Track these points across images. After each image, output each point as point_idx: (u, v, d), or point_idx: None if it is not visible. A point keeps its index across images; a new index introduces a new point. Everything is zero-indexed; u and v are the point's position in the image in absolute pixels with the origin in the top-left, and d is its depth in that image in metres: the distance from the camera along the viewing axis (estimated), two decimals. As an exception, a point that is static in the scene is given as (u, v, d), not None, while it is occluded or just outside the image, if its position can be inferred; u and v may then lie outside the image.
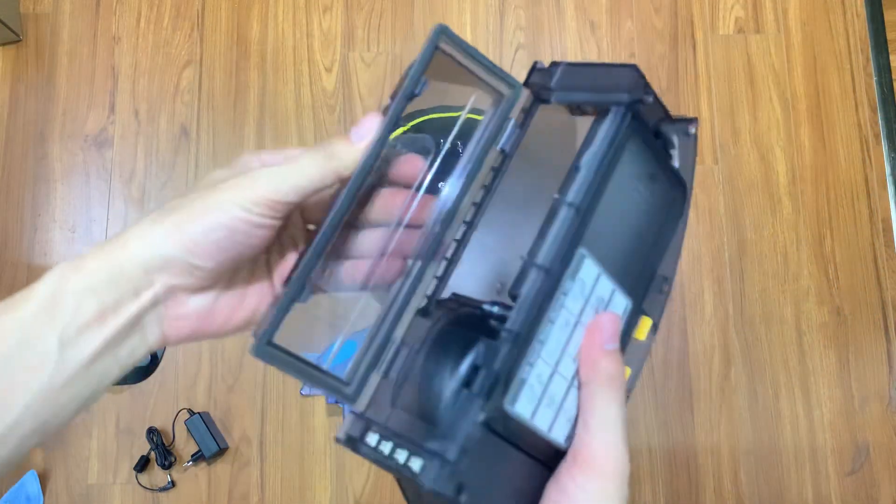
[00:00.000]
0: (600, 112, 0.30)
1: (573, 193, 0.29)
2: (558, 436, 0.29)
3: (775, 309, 1.16)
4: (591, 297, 0.29)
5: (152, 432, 1.08)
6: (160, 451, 1.07)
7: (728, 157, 1.21)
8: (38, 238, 1.17)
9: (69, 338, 0.28)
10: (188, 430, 1.07)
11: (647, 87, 0.30)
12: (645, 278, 0.31)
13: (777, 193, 1.20)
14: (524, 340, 0.27)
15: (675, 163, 0.32)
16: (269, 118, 1.21)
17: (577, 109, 0.31)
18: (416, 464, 0.26)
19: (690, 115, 1.23)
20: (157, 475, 1.09)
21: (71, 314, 0.28)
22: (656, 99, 0.31)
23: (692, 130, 0.32)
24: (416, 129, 1.16)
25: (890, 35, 1.26)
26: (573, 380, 0.29)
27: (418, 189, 0.32)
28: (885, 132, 1.22)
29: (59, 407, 0.28)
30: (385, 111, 0.30)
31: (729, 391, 1.13)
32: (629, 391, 0.30)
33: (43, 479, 1.08)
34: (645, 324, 0.30)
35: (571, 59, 1.24)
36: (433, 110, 1.17)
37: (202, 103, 1.22)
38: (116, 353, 0.29)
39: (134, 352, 0.30)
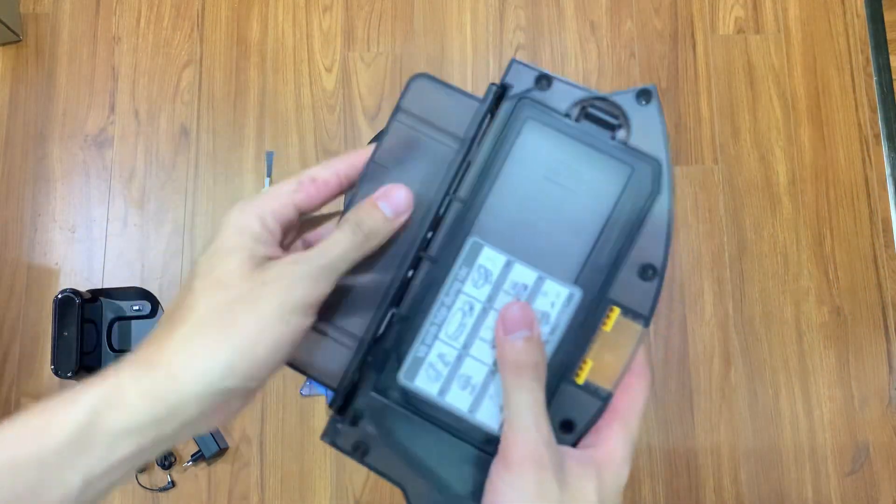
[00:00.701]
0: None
1: (461, 188, 0.31)
2: (488, 421, 0.30)
3: (775, 309, 1.16)
4: (505, 283, 0.30)
5: (152, 432, 1.08)
6: (160, 451, 1.07)
7: (728, 157, 1.21)
8: (38, 238, 1.17)
9: (94, 477, 0.25)
10: (188, 430, 1.07)
11: (541, 77, 0.31)
12: (601, 266, 0.30)
13: (777, 193, 1.20)
14: (410, 321, 0.30)
15: (630, 138, 0.31)
16: (269, 118, 1.21)
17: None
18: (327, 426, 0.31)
19: (690, 115, 1.23)
20: (157, 475, 1.09)
21: (102, 455, 0.25)
22: (566, 82, 0.31)
23: (645, 101, 0.31)
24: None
25: (890, 35, 1.26)
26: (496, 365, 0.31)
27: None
28: (885, 132, 1.22)
29: None
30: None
31: (729, 391, 1.13)
32: (615, 383, 0.30)
33: (43, 479, 1.08)
34: (613, 313, 0.30)
35: (572, 59, 1.24)
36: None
37: (202, 103, 1.22)
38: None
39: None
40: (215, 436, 1.06)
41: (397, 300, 0.31)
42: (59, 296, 1.06)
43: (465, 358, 0.30)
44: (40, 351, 1.12)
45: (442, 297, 0.31)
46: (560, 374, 0.30)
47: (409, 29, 1.25)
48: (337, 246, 0.29)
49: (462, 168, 0.31)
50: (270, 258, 0.29)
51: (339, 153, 1.21)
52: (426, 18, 1.25)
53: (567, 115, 0.31)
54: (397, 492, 1.11)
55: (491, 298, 0.30)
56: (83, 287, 1.12)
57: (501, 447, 0.28)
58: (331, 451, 1.09)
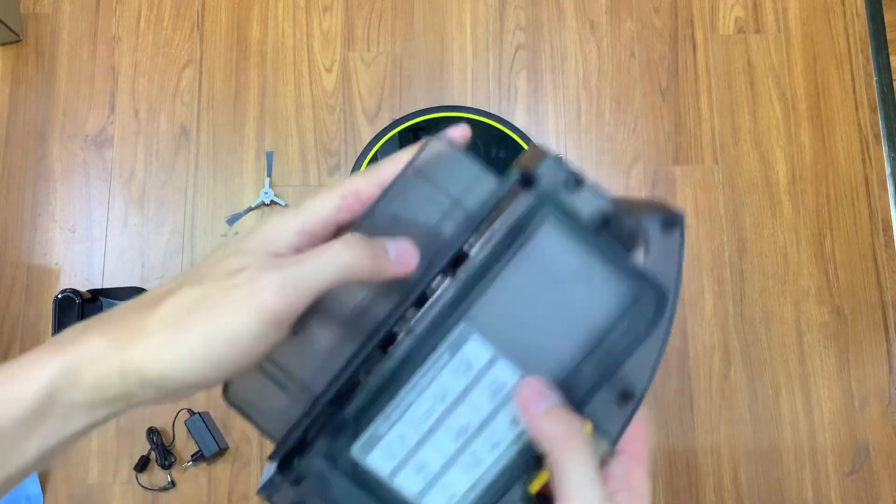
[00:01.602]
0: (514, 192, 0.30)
1: (461, 271, 0.29)
2: None
3: (775, 309, 1.16)
4: (483, 379, 0.29)
5: (152, 432, 1.08)
6: (160, 451, 1.07)
7: (728, 157, 1.21)
8: (38, 238, 1.17)
9: (48, 448, 0.26)
10: (188, 430, 1.07)
11: (570, 177, 0.29)
12: (583, 382, 0.29)
13: (777, 193, 1.20)
14: (377, 396, 0.29)
15: (641, 260, 0.29)
16: (269, 118, 1.21)
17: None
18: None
19: (690, 115, 1.23)
20: (157, 475, 1.09)
21: (58, 427, 0.26)
22: (595, 190, 0.30)
23: (669, 229, 0.29)
24: (415, 129, 1.17)
25: (890, 35, 1.26)
26: (455, 457, 0.30)
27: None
28: (885, 132, 1.22)
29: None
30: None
31: (729, 391, 1.13)
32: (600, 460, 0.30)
33: (43, 479, 1.08)
34: (586, 426, 0.29)
35: (572, 59, 1.24)
36: (432, 110, 1.17)
37: (202, 103, 1.22)
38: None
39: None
40: (215, 436, 1.06)
41: (366, 368, 0.30)
42: (59, 296, 1.06)
43: (426, 444, 0.29)
44: (40, 351, 1.12)
45: (417, 378, 0.29)
46: (514, 478, 0.29)
47: (409, 29, 1.25)
48: (319, 258, 0.27)
49: (464, 247, 0.30)
50: None
51: (338, 153, 1.21)
52: (426, 18, 1.25)
53: (589, 223, 0.30)
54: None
55: (467, 390, 0.29)
56: (83, 287, 1.12)
57: None
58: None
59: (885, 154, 1.22)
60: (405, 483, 0.30)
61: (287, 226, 0.29)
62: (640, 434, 0.30)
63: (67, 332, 0.28)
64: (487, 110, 1.19)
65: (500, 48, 1.25)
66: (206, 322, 0.26)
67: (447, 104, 1.21)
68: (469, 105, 1.21)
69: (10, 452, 0.26)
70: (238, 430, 1.10)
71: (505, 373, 0.30)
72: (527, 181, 0.30)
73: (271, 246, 0.28)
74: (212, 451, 1.05)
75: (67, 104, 1.22)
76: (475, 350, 0.30)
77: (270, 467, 0.30)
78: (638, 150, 1.21)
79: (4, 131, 1.20)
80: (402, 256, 0.29)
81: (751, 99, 1.23)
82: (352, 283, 0.28)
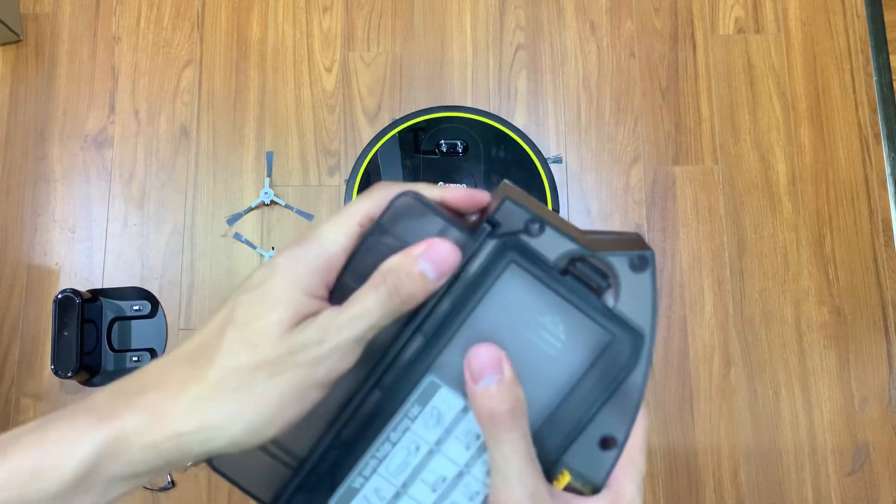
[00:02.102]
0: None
1: (428, 322, 0.29)
2: None
3: (775, 309, 1.16)
4: (456, 429, 0.29)
5: (152, 432, 1.08)
6: (160, 451, 1.07)
7: (728, 157, 1.21)
8: (38, 238, 1.17)
9: None
10: (188, 430, 1.07)
11: (533, 221, 0.28)
12: (559, 430, 0.29)
13: (777, 193, 1.20)
14: (350, 448, 0.29)
15: (617, 304, 0.28)
16: (269, 118, 1.21)
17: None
18: None
19: (690, 115, 1.23)
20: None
21: (97, 498, 0.25)
22: (559, 231, 0.29)
23: (639, 269, 0.28)
24: (415, 129, 1.17)
25: (890, 35, 1.26)
26: None
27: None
28: (885, 132, 1.22)
29: None
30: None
31: (729, 391, 1.13)
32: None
33: (43, 479, 1.08)
34: (563, 478, 0.29)
35: (572, 59, 1.24)
36: (432, 110, 1.17)
37: (202, 103, 1.22)
38: None
39: None
40: (215, 436, 1.06)
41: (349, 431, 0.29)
42: (59, 296, 1.06)
43: (402, 497, 0.29)
44: (40, 351, 1.12)
45: (389, 432, 0.29)
46: None
47: (409, 29, 1.25)
48: (369, 315, 0.26)
49: (433, 302, 0.29)
50: (315, 313, 0.27)
51: (338, 153, 1.21)
52: (426, 18, 1.25)
53: (554, 266, 0.29)
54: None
55: (440, 442, 0.29)
56: (83, 287, 1.12)
57: None
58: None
59: (885, 154, 1.22)
60: None
61: (313, 264, 0.28)
62: (637, 434, 0.29)
63: (107, 396, 0.27)
64: (487, 110, 1.19)
65: (500, 48, 1.25)
66: (262, 395, 0.26)
67: (447, 104, 1.21)
68: (469, 105, 1.21)
69: None
70: (238, 430, 1.10)
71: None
72: (490, 229, 0.29)
73: (303, 286, 0.27)
74: (212, 451, 1.05)
75: (67, 104, 1.22)
76: (445, 401, 0.29)
77: None
78: (638, 150, 1.21)
79: (4, 131, 1.20)
80: (441, 267, 0.27)
81: (751, 99, 1.23)
82: (399, 315, 0.28)
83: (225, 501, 1.08)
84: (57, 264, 1.16)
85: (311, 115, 1.21)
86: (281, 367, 0.26)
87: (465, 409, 0.29)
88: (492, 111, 1.20)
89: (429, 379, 0.29)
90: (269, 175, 1.18)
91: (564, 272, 0.29)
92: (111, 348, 1.11)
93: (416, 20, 1.25)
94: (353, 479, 0.29)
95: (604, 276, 0.29)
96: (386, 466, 0.29)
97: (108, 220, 1.18)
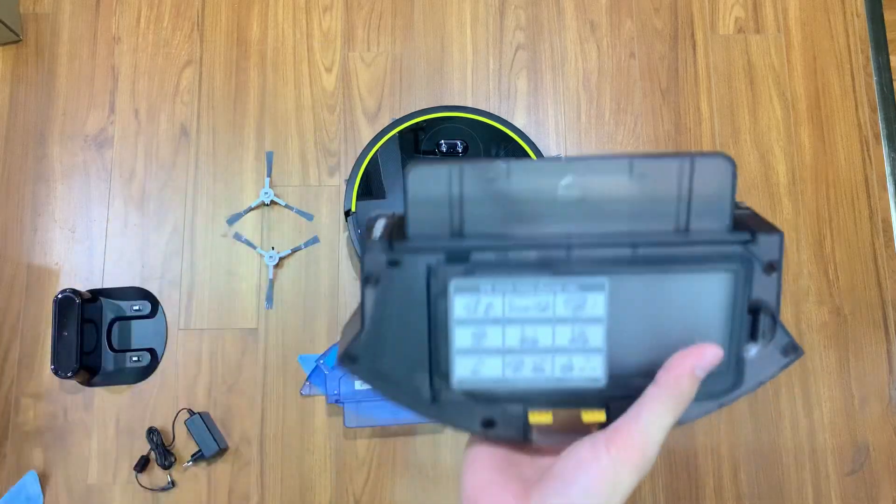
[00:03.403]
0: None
1: (645, 246, 0.30)
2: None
3: (775, 309, 1.16)
4: (574, 319, 0.31)
5: (152, 432, 1.08)
6: (160, 452, 1.07)
7: (728, 157, 1.21)
8: (38, 238, 1.17)
9: None
10: (188, 430, 1.07)
11: (770, 263, 0.32)
12: (634, 383, 0.31)
13: (777, 193, 1.20)
14: (502, 262, 0.30)
15: (753, 350, 0.32)
16: (269, 118, 1.21)
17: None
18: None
19: (690, 115, 1.23)
20: (157, 475, 1.09)
21: None
22: (776, 298, 0.32)
23: (787, 352, 0.32)
24: (415, 129, 1.17)
25: (890, 35, 1.26)
26: (519, 353, 0.31)
27: None
28: (885, 132, 1.22)
29: None
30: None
31: (729, 391, 1.13)
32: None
33: (43, 480, 1.08)
34: (596, 416, 0.31)
35: (571, 59, 1.24)
36: (432, 110, 1.17)
37: (202, 103, 1.22)
38: None
39: None
40: (215, 436, 1.06)
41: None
42: (59, 296, 1.06)
43: (503, 324, 0.31)
44: (40, 351, 1.12)
45: (540, 279, 0.30)
46: (570, 399, 0.31)
47: (409, 29, 1.25)
48: (658, 430, 0.30)
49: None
50: (540, 479, 0.30)
51: (338, 153, 1.21)
52: (426, 18, 1.25)
53: (752, 303, 0.32)
54: (397, 492, 1.11)
55: (561, 321, 0.31)
56: (83, 287, 1.12)
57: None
58: (331, 452, 1.10)
59: (885, 154, 1.22)
60: (462, 338, 0.30)
61: (480, 465, 0.32)
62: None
63: None
64: (487, 110, 1.19)
65: (500, 48, 1.25)
66: None
67: (447, 104, 1.21)
68: (469, 105, 1.21)
69: None
70: (238, 430, 1.10)
71: (595, 335, 0.31)
72: (752, 237, 0.31)
73: (500, 472, 0.32)
74: (212, 451, 1.05)
75: (67, 104, 1.22)
76: (593, 303, 0.30)
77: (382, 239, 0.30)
78: (638, 150, 1.21)
79: (4, 131, 1.20)
80: (706, 370, 0.30)
81: (751, 99, 1.23)
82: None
83: (225, 501, 1.08)
84: (57, 264, 1.16)
85: (311, 115, 1.21)
86: None
87: (599, 322, 0.31)
88: (492, 111, 1.20)
89: (602, 280, 0.30)
90: (269, 175, 1.18)
91: (752, 310, 0.31)
92: (111, 348, 1.11)
93: (416, 20, 1.25)
94: (482, 281, 0.30)
95: (769, 338, 0.32)
96: (512, 297, 0.30)
97: (108, 220, 1.18)
